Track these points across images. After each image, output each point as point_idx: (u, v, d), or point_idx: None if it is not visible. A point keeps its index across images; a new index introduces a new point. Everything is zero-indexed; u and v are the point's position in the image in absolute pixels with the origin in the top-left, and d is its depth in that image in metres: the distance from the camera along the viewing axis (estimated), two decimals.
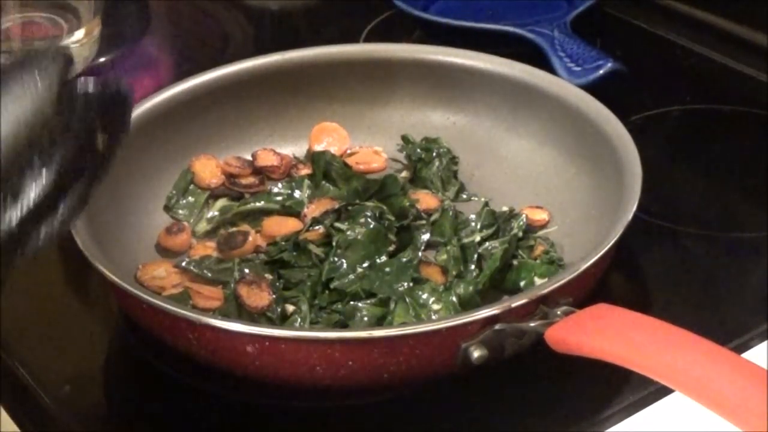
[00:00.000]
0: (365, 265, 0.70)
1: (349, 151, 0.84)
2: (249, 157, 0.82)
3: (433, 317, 0.67)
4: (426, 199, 0.78)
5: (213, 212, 0.79)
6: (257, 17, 1.17)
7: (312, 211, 0.76)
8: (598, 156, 0.74)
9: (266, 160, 0.82)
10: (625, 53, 0.94)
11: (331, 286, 0.69)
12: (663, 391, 0.62)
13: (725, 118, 0.91)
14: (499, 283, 0.70)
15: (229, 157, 0.82)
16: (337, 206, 0.75)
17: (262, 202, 0.78)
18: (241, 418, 0.64)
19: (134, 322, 0.68)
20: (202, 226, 0.78)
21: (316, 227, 0.73)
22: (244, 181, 0.80)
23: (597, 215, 0.72)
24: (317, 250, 0.71)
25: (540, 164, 0.80)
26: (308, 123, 0.85)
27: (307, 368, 0.60)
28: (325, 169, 0.80)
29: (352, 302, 0.68)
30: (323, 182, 0.80)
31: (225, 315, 0.67)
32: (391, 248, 0.72)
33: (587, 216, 0.74)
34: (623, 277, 0.74)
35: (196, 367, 0.64)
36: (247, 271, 0.70)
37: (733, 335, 0.67)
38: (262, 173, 0.81)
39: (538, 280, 0.69)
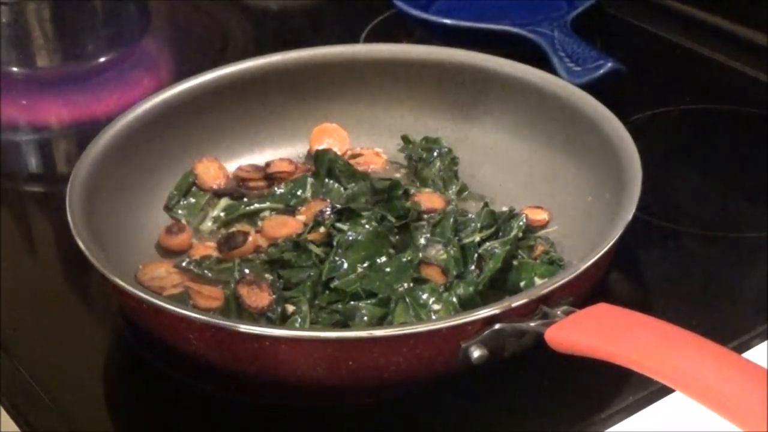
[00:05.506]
0: (365, 265, 0.70)
1: (349, 153, 0.84)
2: (260, 163, 0.82)
3: (433, 317, 0.67)
4: (431, 199, 0.77)
5: (218, 212, 0.78)
6: (257, 17, 1.17)
7: (308, 209, 0.76)
8: (598, 156, 0.74)
9: (281, 167, 0.81)
10: (625, 53, 0.94)
11: (332, 286, 0.69)
12: (663, 391, 0.62)
13: (725, 118, 0.91)
14: (499, 284, 0.70)
15: (244, 165, 0.81)
16: (332, 206, 0.74)
17: (267, 203, 0.78)
18: (241, 418, 0.64)
19: (134, 322, 0.68)
20: (207, 226, 0.78)
21: (317, 227, 0.73)
22: (252, 185, 0.80)
23: (597, 215, 0.72)
24: (317, 250, 0.71)
25: (540, 164, 0.80)
26: (308, 123, 0.85)
27: (307, 368, 0.60)
28: (328, 167, 0.80)
29: (352, 302, 0.68)
30: (327, 180, 0.80)
31: (225, 315, 0.67)
32: (392, 249, 0.72)
33: (587, 216, 0.74)
34: (623, 277, 0.74)
35: (196, 367, 0.64)
36: (247, 271, 0.70)
37: (733, 335, 0.67)
38: (273, 179, 0.81)
39: (538, 280, 0.69)
